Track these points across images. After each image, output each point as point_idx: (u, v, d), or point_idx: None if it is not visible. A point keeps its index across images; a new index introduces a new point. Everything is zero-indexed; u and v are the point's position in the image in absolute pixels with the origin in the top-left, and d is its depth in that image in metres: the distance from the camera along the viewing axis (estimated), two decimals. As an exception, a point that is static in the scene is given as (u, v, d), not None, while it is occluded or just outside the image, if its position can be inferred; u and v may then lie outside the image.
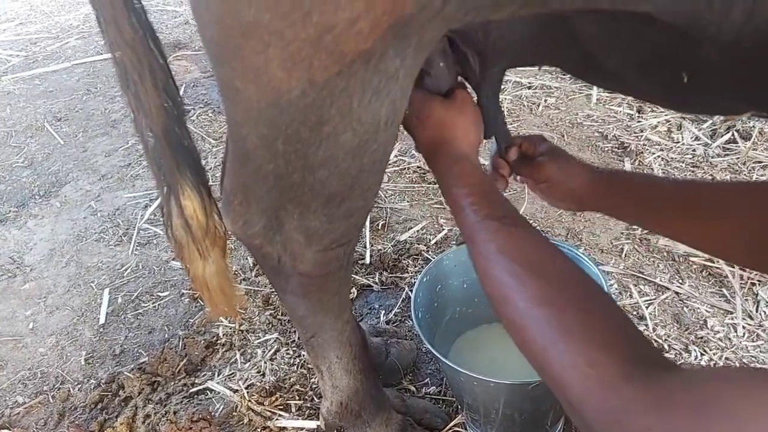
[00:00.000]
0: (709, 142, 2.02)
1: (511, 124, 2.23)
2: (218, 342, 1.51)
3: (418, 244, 1.75)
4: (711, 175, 1.88)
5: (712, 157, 1.95)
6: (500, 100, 0.96)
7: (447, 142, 0.77)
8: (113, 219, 2.04)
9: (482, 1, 0.63)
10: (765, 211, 0.70)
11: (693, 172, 1.91)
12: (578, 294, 0.58)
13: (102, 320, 1.63)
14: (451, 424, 1.23)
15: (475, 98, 0.87)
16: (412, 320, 1.09)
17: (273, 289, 1.41)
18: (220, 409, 1.33)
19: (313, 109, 0.64)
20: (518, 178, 0.97)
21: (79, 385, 1.46)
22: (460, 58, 0.81)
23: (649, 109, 2.25)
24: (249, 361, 1.45)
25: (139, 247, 1.89)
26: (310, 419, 1.28)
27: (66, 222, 2.07)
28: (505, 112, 2.28)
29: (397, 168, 2.08)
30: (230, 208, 0.83)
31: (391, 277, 1.65)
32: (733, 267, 1.52)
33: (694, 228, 0.78)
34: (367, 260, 1.70)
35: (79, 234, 2.00)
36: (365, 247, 1.75)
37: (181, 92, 2.80)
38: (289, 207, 0.80)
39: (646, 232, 1.68)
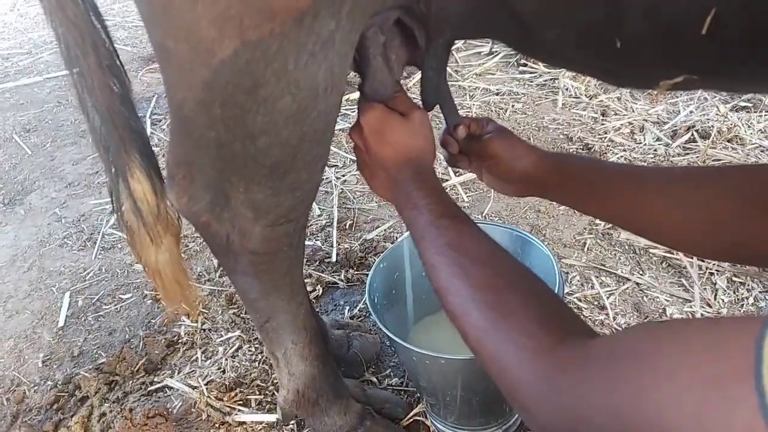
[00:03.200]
0: (670, 142, 2.07)
1: (479, 128, 2.26)
2: (179, 341, 1.49)
3: (385, 242, 1.75)
4: (671, 173, 1.92)
5: (673, 157, 2.00)
6: (451, 84, 0.98)
7: (410, 159, 0.82)
8: (78, 225, 2.01)
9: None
10: (702, 191, 0.72)
11: (654, 170, 1.95)
12: (517, 280, 0.63)
13: (62, 323, 1.60)
14: (412, 413, 1.22)
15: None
16: (366, 304, 1.09)
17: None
18: (178, 406, 1.30)
19: (248, 71, 0.65)
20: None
21: (35, 387, 1.42)
22: (406, 33, 0.83)
23: (613, 113, 2.30)
24: (210, 358, 1.43)
25: (102, 252, 1.87)
26: (270, 413, 1.26)
27: (30, 228, 2.03)
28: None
29: (365, 171, 2.09)
30: (174, 182, 0.83)
31: (357, 274, 1.65)
32: (692, 258, 1.55)
33: (633, 208, 0.79)
34: (334, 258, 1.70)
35: (42, 240, 1.96)
36: (332, 246, 1.75)
37: (153, 102, 2.80)
38: (233, 179, 0.80)
39: (608, 226, 1.71)
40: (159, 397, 1.34)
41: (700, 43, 0.62)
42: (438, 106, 0.94)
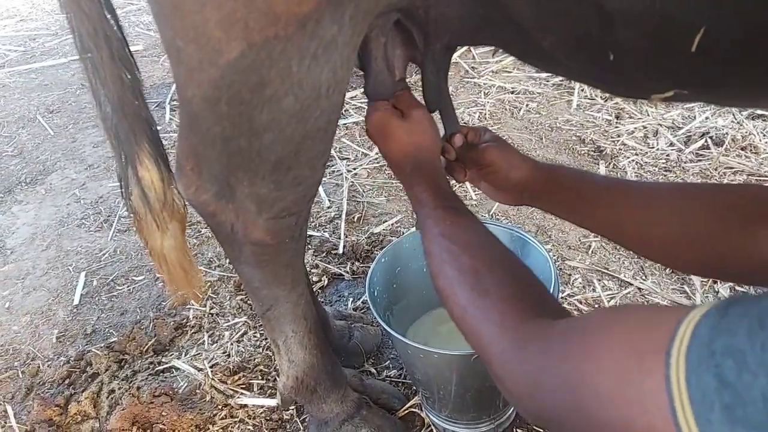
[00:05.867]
0: (683, 147, 2.06)
1: (493, 126, 2.27)
2: (188, 324, 1.54)
3: (392, 236, 1.78)
4: (682, 179, 1.92)
5: (685, 163, 1.99)
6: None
7: (413, 155, 0.86)
8: (96, 206, 2.08)
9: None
10: (686, 207, 0.75)
11: (665, 176, 1.95)
12: (499, 265, 0.68)
13: (76, 301, 1.66)
14: (408, 404, 1.25)
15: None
16: (366, 296, 1.12)
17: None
18: (183, 387, 1.35)
19: (253, 70, 0.68)
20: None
21: (49, 362, 1.48)
22: (405, 36, 0.85)
23: (627, 116, 2.29)
24: (216, 342, 1.48)
25: (118, 234, 1.92)
26: (271, 398, 1.30)
27: (49, 208, 2.10)
28: (488, 116, 2.33)
29: (377, 165, 2.11)
30: (183, 173, 0.86)
31: (362, 267, 1.68)
32: (696, 265, 1.55)
33: (617, 221, 0.82)
34: (341, 250, 1.73)
35: (61, 219, 2.03)
36: (339, 238, 1.78)
37: (173, 88, 2.85)
38: (239, 174, 0.83)
39: (614, 230, 1.71)
40: (165, 377, 1.39)
41: (689, 59, 0.64)
42: (438, 111, 0.96)
